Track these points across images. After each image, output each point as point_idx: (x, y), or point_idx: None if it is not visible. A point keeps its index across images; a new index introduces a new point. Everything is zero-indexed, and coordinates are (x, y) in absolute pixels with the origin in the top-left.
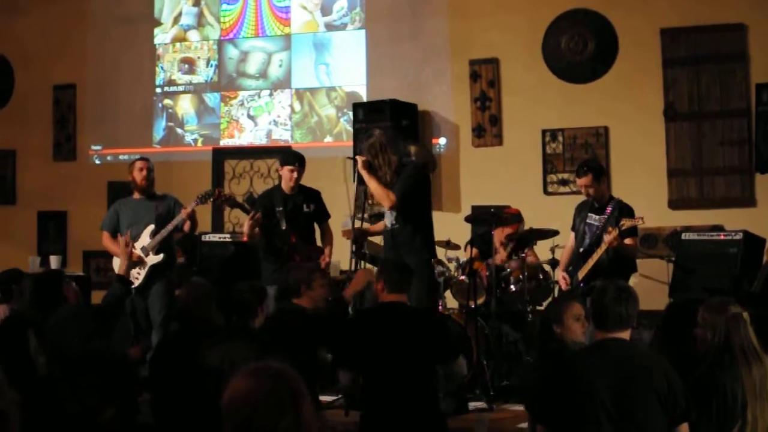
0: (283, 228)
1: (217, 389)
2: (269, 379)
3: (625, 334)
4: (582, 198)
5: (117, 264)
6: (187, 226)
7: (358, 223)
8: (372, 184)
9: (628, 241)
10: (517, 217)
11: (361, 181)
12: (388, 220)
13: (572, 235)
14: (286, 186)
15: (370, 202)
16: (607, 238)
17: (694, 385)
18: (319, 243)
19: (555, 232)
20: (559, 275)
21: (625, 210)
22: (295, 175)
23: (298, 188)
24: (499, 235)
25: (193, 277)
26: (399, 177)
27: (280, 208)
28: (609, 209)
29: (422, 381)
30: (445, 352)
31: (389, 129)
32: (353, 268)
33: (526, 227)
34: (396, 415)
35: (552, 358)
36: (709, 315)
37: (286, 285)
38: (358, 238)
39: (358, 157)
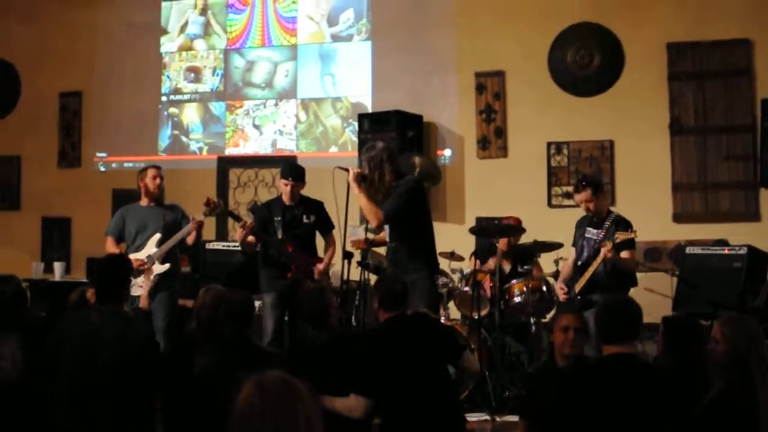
0: (280, 238)
1: (211, 396)
2: (253, 388)
3: (630, 348)
4: (583, 213)
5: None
6: (191, 238)
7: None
8: (361, 199)
9: (624, 254)
10: (519, 229)
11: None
12: (386, 234)
13: (573, 249)
14: (285, 197)
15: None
16: (602, 251)
17: (712, 402)
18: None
19: (559, 245)
20: (557, 286)
21: (621, 224)
22: (290, 189)
23: (299, 199)
24: (502, 245)
25: (202, 286)
26: (391, 195)
27: (278, 218)
28: (607, 223)
29: (440, 386)
30: (452, 349)
31: (394, 143)
32: (360, 279)
33: (530, 240)
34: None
35: (541, 371)
36: (727, 329)
37: (309, 313)
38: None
39: (350, 168)
